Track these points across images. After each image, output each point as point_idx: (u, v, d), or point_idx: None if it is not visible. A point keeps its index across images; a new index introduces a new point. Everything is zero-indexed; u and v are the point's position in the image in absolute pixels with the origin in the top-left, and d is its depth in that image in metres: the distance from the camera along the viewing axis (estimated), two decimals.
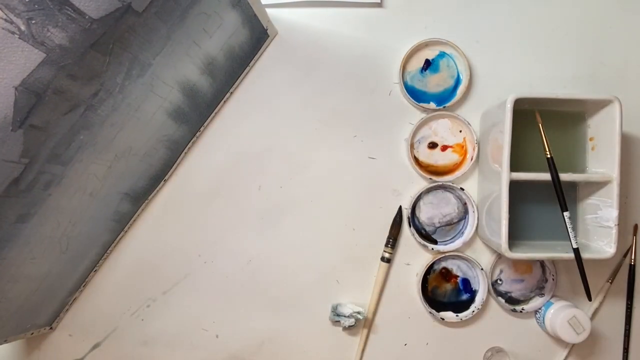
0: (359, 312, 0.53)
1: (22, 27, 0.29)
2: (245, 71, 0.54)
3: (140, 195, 0.53)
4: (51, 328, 0.54)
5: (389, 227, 0.55)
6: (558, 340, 0.54)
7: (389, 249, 0.55)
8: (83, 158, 0.40)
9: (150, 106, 0.44)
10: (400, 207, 0.55)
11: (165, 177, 0.55)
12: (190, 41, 0.43)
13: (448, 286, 0.56)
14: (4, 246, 0.39)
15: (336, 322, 0.55)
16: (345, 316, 0.53)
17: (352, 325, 0.53)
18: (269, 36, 0.53)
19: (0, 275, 0.40)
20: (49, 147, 0.36)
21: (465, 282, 0.56)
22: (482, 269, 0.54)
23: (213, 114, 0.54)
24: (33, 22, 0.29)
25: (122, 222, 0.54)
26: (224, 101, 0.54)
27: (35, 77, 0.31)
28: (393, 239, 0.55)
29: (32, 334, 0.51)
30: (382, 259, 0.55)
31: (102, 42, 0.34)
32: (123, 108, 0.41)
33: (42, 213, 0.40)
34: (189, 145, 0.54)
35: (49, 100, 0.33)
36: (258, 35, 0.51)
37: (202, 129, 0.54)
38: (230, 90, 0.53)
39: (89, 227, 0.48)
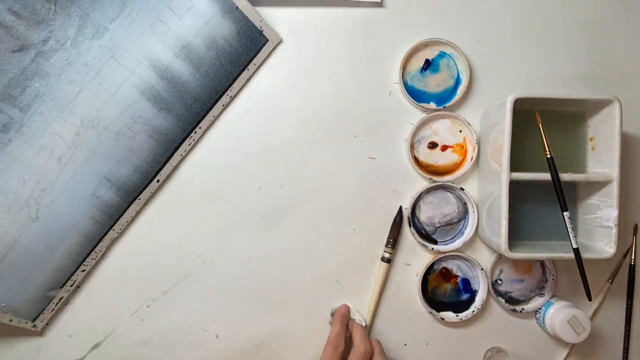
0: (363, 325, 0.53)
1: None
2: (244, 74, 0.53)
3: (129, 189, 0.52)
4: (34, 326, 0.52)
5: (389, 227, 0.55)
6: (558, 340, 0.54)
7: (389, 249, 0.55)
8: (42, 110, 0.42)
9: (114, 75, 0.45)
10: (401, 207, 0.55)
11: (160, 177, 0.53)
12: (154, 16, 0.44)
13: (448, 286, 0.56)
14: None
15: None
16: None
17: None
18: (267, 40, 0.53)
19: None
20: (2, 84, 0.39)
21: (465, 282, 0.56)
22: (482, 269, 0.54)
23: (211, 115, 0.53)
24: None
25: (108, 214, 0.52)
26: (225, 105, 0.54)
27: None
28: (393, 239, 0.55)
29: (11, 321, 0.49)
30: (382, 259, 0.55)
31: None
32: (79, 66, 0.43)
33: (3, 160, 0.42)
34: (188, 146, 0.54)
35: None
36: (250, 34, 0.51)
37: (198, 129, 0.53)
38: (230, 94, 0.53)
39: (64, 202, 0.47)
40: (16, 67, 0.39)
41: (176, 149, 0.53)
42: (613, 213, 0.48)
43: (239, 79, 0.53)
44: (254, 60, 0.53)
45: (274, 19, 0.54)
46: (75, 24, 0.40)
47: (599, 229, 0.50)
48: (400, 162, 0.56)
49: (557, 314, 0.52)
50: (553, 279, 0.55)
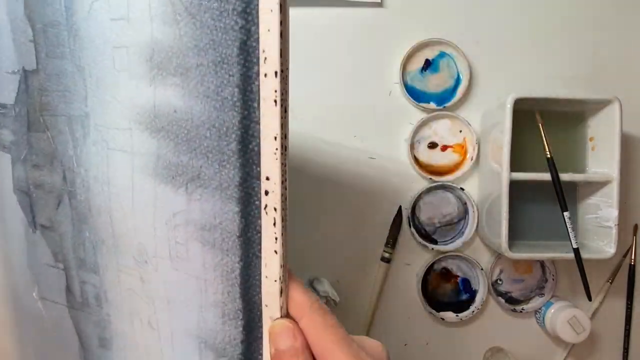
0: (333, 299, 0.53)
1: None
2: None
3: None
4: None
5: (389, 227, 0.55)
6: (558, 340, 0.54)
7: (388, 249, 0.55)
8: (105, 263, 0.33)
9: (120, 171, 0.32)
10: (400, 207, 0.55)
11: None
12: (108, 55, 0.32)
13: (448, 286, 0.56)
14: None
15: None
16: (319, 293, 0.53)
17: None
18: None
19: None
20: (69, 250, 0.33)
21: (465, 282, 0.56)
22: (482, 269, 0.54)
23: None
24: None
25: None
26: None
27: (16, 177, 0.32)
28: (393, 239, 0.55)
29: None
30: (382, 258, 0.55)
31: (33, 120, 0.32)
32: (93, 185, 0.32)
33: (117, 342, 0.33)
34: None
35: (37, 196, 0.33)
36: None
37: None
38: None
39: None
40: (67, 224, 0.33)
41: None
42: (613, 213, 0.48)
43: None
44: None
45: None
46: (68, 136, 0.33)
47: (599, 229, 0.50)
48: (400, 162, 0.56)
49: (557, 314, 0.52)
50: (553, 279, 0.55)
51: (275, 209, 0.25)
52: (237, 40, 0.25)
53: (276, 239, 0.25)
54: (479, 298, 0.55)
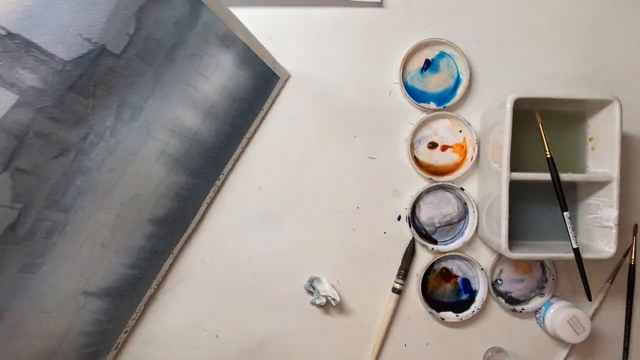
0: (333, 299, 0.53)
1: None
2: (260, 114, 0.54)
3: (164, 250, 0.52)
4: None
5: (401, 258, 0.55)
6: (558, 340, 0.54)
7: (400, 280, 0.55)
8: (85, 205, 0.39)
9: (150, 151, 0.43)
10: (413, 239, 0.55)
11: (188, 232, 0.54)
12: (184, 84, 0.42)
13: (448, 286, 0.56)
14: (12, 297, 0.38)
15: (309, 292, 0.55)
16: (319, 293, 0.53)
17: (321, 305, 0.54)
18: (278, 77, 0.53)
19: (14, 328, 0.39)
20: (44, 192, 0.36)
21: (465, 282, 0.56)
22: (482, 269, 0.54)
23: (232, 160, 0.55)
24: (0, 64, 0.30)
25: (146, 271, 0.52)
26: (244, 147, 0.55)
27: (12, 119, 0.31)
28: (404, 271, 0.55)
29: None
30: (393, 289, 0.55)
31: (82, 84, 0.34)
32: (119, 153, 0.40)
33: (50, 264, 0.39)
34: (213, 193, 0.55)
35: (33, 144, 0.33)
36: (264, 76, 0.51)
37: (221, 176, 0.55)
38: (247, 137, 0.54)
39: (106, 282, 0.46)
40: (57, 172, 0.36)
41: (202, 200, 0.53)
42: (613, 213, 0.48)
43: (255, 120, 0.54)
44: (268, 100, 0.54)
45: (275, 19, 0.54)
46: (113, 113, 0.38)
47: (599, 229, 0.50)
48: (400, 162, 0.56)
49: (557, 314, 0.52)
50: (553, 279, 0.55)
51: None
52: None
53: None
54: (479, 298, 0.55)
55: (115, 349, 0.54)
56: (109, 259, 0.45)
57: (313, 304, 0.54)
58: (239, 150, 0.53)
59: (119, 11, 0.34)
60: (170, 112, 0.43)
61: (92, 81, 0.35)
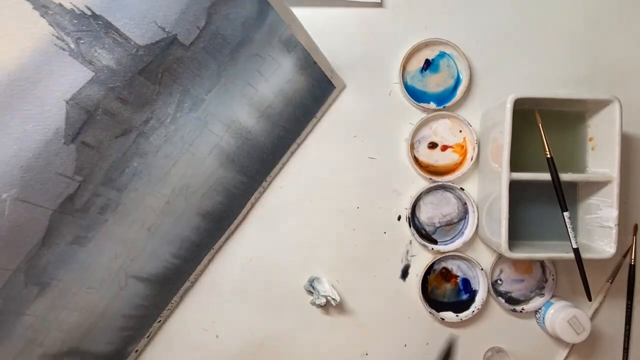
0: (333, 299, 0.53)
1: (72, 45, 0.31)
2: (312, 121, 0.54)
3: (206, 244, 0.53)
4: None
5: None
6: (558, 340, 0.54)
7: None
8: (138, 187, 0.41)
9: (205, 143, 0.45)
10: (451, 345, 0.54)
11: (230, 230, 0.55)
12: (244, 82, 0.44)
13: (448, 286, 0.56)
14: (60, 267, 0.39)
15: (309, 292, 0.55)
16: (319, 293, 0.53)
17: (321, 305, 0.54)
18: (334, 87, 0.54)
19: (57, 299, 0.40)
20: (103, 169, 0.38)
21: (465, 282, 0.56)
22: (482, 269, 0.54)
23: (281, 163, 0.55)
24: (82, 41, 0.32)
25: (186, 262, 0.52)
26: (292, 152, 0.55)
27: (85, 94, 0.33)
28: None
29: None
30: None
31: (151, 70, 0.36)
32: (176, 140, 0.42)
33: (99, 240, 0.40)
34: (258, 194, 0.55)
35: (100, 120, 0.35)
36: (321, 85, 0.52)
37: (268, 178, 0.55)
38: (298, 142, 0.55)
39: (149, 267, 0.47)
40: (118, 151, 0.38)
41: (248, 199, 0.54)
42: (613, 213, 0.48)
43: (307, 126, 0.54)
44: (322, 108, 0.54)
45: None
46: (175, 101, 0.40)
47: (599, 229, 0.50)
48: (400, 162, 0.56)
49: (557, 314, 0.52)
50: (553, 279, 0.55)
51: None
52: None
53: None
54: (479, 298, 0.55)
55: (148, 337, 0.54)
56: (154, 244, 0.46)
57: (313, 304, 0.54)
58: (288, 154, 0.54)
59: (193, 4, 0.36)
60: (228, 108, 0.44)
61: (161, 68, 0.37)
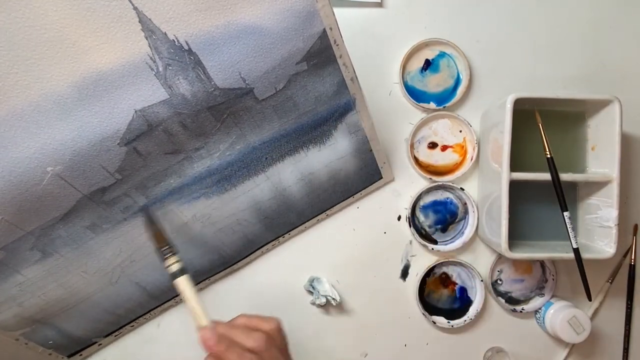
0: (333, 299, 0.53)
1: (160, 68, 0.35)
2: (349, 200, 0.55)
3: (203, 272, 0.53)
4: None
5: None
6: (558, 340, 0.54)
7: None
8: (165, 202, 0.44)
9: (242, 185, 0.47)
10: (148, 214, 0.45)
11: (235, 267, 0.55)
12: (299, 144, 0.47)
13: (445, 292, 0.56)
14: (68, 244, 0.41)
15: (309, 292, 0.55)
16: (319, 293, 0.53)
17: (321, 305, 0.54)
18: (381, 177, 0.54)
19: (52, 271, 0.42)
20: (142, 176, 0.40)
21: (463, 290, 0.56)
22: (482, 280, 0.54)
23: (304, 226, 0.55)
24: (170, 67, 0.35)
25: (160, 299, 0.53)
26: (319, 220, 0.56)
27: (154, 110, 0.36)
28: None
29: (50, 354, 0.49)
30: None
31: (219, 109, 0.39)
32: (215, 171, 0.44)
33: (112, 233, 0.43)
34: (272, 246, 0.55)
35: (157, 135, 0.38)
36: (370, 171, 0.53)
37: (287, 235, 0.55)
38: (328, 213, 0.55)
39: (145, 274, 0.48)
40: (162, 165, 0.41)
41: (261, 247, 0.55)
42: (613, 213, 0.48)
43: (342, 203, 0.55)
44: (362, 192, 0.55)
45: None
46: (230, 140, 0.42)
47: (599, 229, 0.50)
48: (400, 162, 0.56)
49: (557, 314, 0.52)
50: (553, 279, 0.55)
51: None
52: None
53: None
54: (473, 309, 0.55)
55: (116, 335, 0.53)
56: (156, 257, 0.46)
57: (313, 304, 0.54)
58: (314, 221, 0.55)
59: (279, 69, 0.40)
60: (274, 161, 0.47)
61: (228, 110, 0.40)
